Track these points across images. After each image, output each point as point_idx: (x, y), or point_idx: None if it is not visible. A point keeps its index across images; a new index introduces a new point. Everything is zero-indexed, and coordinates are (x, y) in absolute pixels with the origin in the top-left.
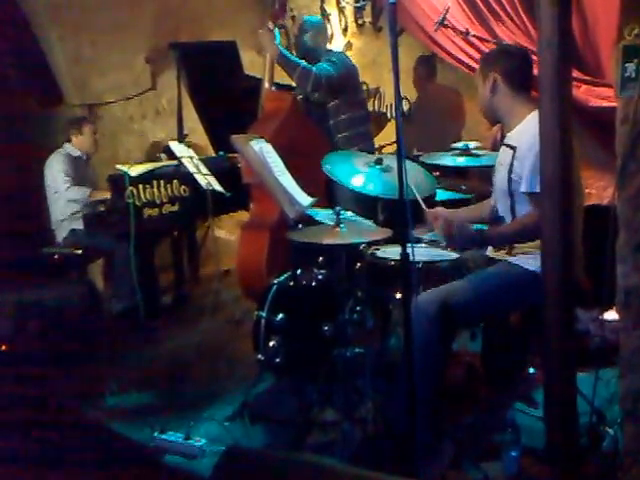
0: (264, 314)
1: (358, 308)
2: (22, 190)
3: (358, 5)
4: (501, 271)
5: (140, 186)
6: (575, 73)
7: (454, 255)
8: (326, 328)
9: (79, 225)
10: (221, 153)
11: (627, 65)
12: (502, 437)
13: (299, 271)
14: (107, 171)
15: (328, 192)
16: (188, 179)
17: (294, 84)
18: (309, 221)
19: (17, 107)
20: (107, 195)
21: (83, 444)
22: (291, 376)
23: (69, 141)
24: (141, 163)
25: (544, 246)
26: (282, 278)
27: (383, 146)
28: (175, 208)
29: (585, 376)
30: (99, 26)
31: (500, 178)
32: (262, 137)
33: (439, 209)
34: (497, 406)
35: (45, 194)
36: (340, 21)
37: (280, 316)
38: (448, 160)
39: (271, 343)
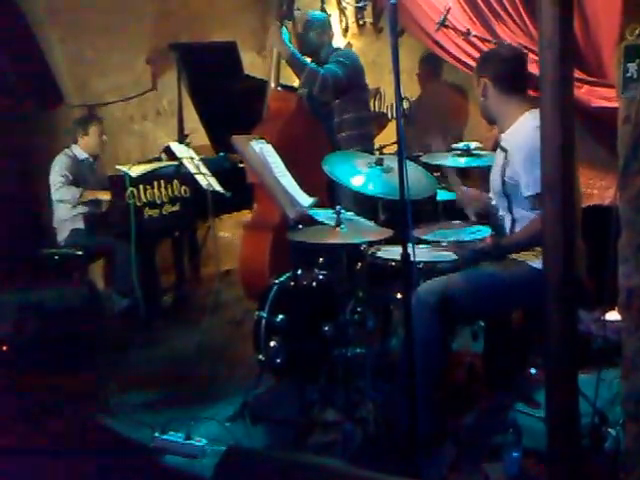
0: (265, 314)
1: (359, 308)
2: (23, 191)
3: (359, 5)
4: (505, 267)
5: (141, 186)
6: (577, 73)
7: (455, 255)
8: (327, 328)
9: (80, 225)
10: (221, 153)
11: (629, 65)
12: (503, 438)
13: (300, 271)
14: (108, 172)
15: (329, 193)
16: (189, 179)
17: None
18: (309, 221)
19: (18, 108)
20: (100, 196)
21: (83, 444)
22: (292, 376)
23: (75, 142)
24: (141, 163)
25: (546, 246)
26: (283, 278)
27: (384, 146)
28: (176, 208)
29: (587, 377)
30: (100, 27)
31: (494, 180)
32: (267, 136)
33: (471, 190)
34: (498, 407)
35: (47, 194)
36: (341, 21)
37: (281, 316)
38: (449, 161)
39: (272, 343)
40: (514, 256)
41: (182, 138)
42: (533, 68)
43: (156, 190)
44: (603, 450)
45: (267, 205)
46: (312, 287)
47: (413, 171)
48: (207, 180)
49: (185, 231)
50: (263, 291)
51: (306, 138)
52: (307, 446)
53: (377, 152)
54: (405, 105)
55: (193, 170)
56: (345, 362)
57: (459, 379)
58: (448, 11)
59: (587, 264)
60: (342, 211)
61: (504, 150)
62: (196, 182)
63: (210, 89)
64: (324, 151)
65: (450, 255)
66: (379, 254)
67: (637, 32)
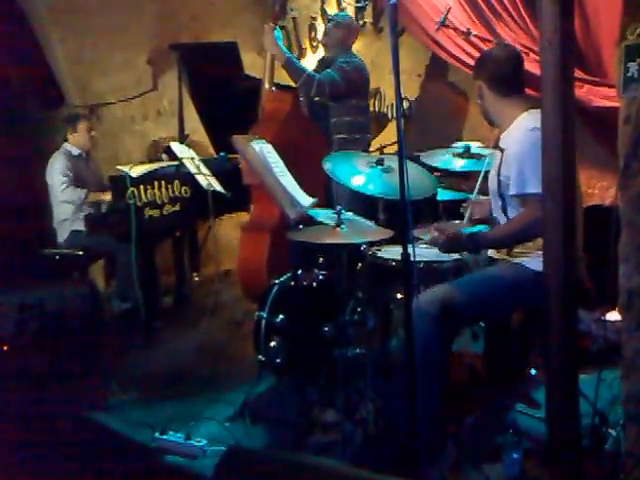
0: (265, 315)
1: (359, 308)
2: (23, 191)
3: (359, 5)
4: (502, 270)
5: (141, 187)
6: (577, 73)
7: (455, 255)
8: (327, 329)
9: (80, 226)
10: (222, 154)
11: (629, 65)
12: (503, 438)
13: (300, 271)
14: (108, 172)
15: (328, 193)
16: (189, 180)
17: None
18: (310, 221)
19: (18, 108)
20: (104, 197)
21: (83, 444)
22: (292, 377)
23: (66, 140)
24: (142, 164)
25: (546, 246)
26: (283, 278)
27: (384, 146)
28: (176, 209)
29: (587, 377)
30: (100, 27)
31: (491, 180)
32: (263, 138)
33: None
34: (498, 407)
35: (47, 194)
36: None
37: (281, 317)
38: (450, 162)
39: (272, 344)
40: (509, 258)
41: (183, 138)
42: (534, 68)
43: (157, 190)
44: (603, 451)
45: (264, 206)
46: (312, 287)
47: (413, 171)
48: (208, 180)
49: (186, 231)
50: (263, 291)
51: (302, 138)
52: (307, 446)
53: (377, 152)
54: (405, 105)
55: (194, 170)
56: (345, 362)
57: (459, 379)
58: (448, 11)
59: (587, 264)
60: (342, 211)
61: (501, 150)
62: (197, 182)
63: (211, 89)
64: (321, 151)
65: (450, 254)
66: (379, 254)
67: (638, 32)
